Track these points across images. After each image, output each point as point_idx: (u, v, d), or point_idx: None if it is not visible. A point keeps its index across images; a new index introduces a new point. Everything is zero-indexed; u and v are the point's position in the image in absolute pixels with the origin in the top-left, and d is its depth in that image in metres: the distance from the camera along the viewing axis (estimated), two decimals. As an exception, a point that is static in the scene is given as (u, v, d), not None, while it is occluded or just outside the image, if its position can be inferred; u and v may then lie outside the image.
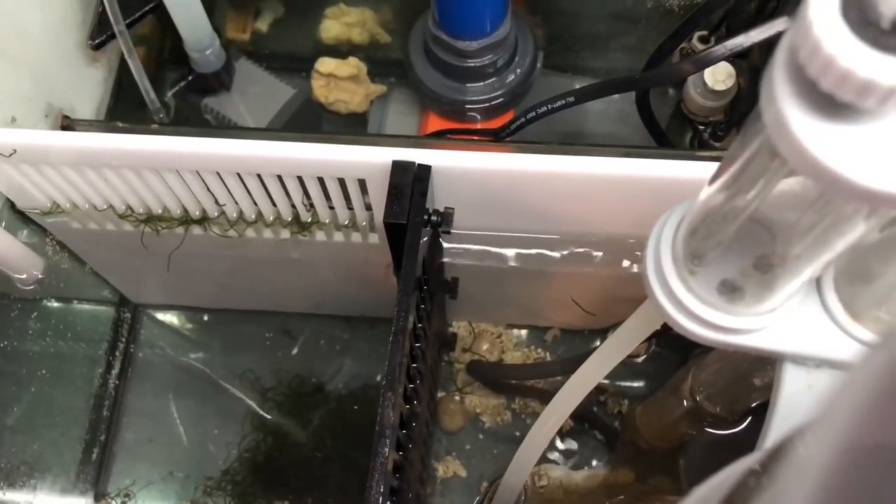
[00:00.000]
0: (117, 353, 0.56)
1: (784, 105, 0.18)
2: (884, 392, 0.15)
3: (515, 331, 0.58)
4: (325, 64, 0.60)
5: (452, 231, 0.42)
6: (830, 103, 0.18)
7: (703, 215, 0.27)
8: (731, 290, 0.26)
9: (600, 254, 0.46)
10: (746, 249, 0.26)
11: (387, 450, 0.34)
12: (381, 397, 0.35)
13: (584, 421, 0.55)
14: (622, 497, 0.52)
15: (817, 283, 0.28)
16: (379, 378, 0.56)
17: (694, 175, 0.39)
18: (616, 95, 0.61)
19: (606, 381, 0.56)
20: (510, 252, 0.47)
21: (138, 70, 0.52)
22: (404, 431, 0.39)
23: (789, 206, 0.25)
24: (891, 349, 0.15)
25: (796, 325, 0.28)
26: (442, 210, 0.41)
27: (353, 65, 0.60)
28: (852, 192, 0.18)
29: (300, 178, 0.43)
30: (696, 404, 0.44)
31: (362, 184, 0.43)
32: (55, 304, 0.54)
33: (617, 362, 0.35)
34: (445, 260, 0.48)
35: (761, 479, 0.22)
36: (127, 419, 0.55)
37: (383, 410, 0.35)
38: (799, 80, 0.18)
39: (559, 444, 0.55)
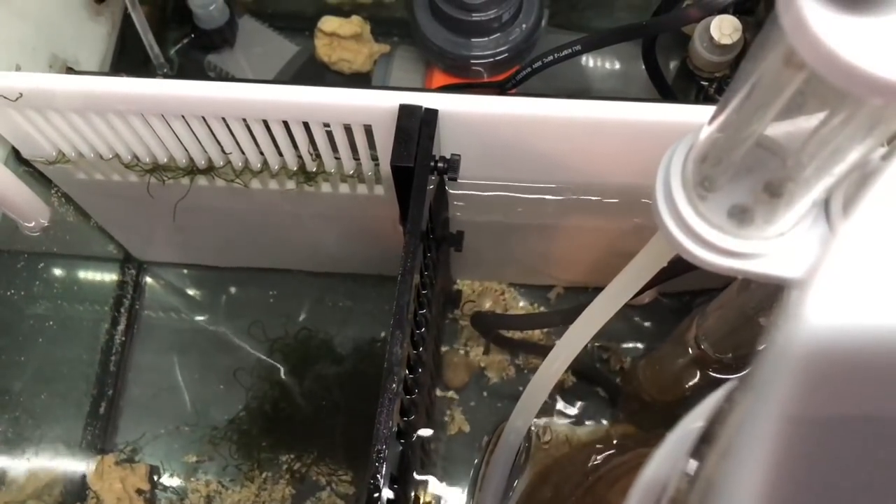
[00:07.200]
0: (122, 310, 0.56)
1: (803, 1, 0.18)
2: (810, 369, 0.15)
3: (519, 289, 0.58)
4: (329, 22, 0.60)
5: (458, 180, 0.42)
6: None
7: (712, 141, 0.27)
8: (741, 213, 0.26)
9: (606, 202, 0.46)
10: (756, 173, 0.26)
11: (395, 385, 0.34)
12: (389, 336, 0.35)
13: (587, 378, 0.56)
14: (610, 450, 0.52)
15: (826, 209, 0.28)
16: (384, 335, 0.56)
17: (699, 120, 0.38)
18: (620, 56, 0.61)
19: (609, 342, 0.56)
20: (515, 202, 0.47)
21: (142, 24, 0.51)
22: (411, 376, 0.39)
23: (799, 131, 0.25)
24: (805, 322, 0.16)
25: (805, 251, 0.28)
26: (448, 157, 0.41)
27: (356, 23, 0.60)
28: (872, 85, 0.18)
29: (306, 126, 0.43)
30: (701, 352, 0.44)
31: (369, 132, 0.43)
32: (61, 260, 0.54)
33: (624, 302, 0.36)
34: (451, 211, 0.48)
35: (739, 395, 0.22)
36: (133, 374, 0.55)
37: (391, 348, 0.35)
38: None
39: (562, 402, 0.55)
